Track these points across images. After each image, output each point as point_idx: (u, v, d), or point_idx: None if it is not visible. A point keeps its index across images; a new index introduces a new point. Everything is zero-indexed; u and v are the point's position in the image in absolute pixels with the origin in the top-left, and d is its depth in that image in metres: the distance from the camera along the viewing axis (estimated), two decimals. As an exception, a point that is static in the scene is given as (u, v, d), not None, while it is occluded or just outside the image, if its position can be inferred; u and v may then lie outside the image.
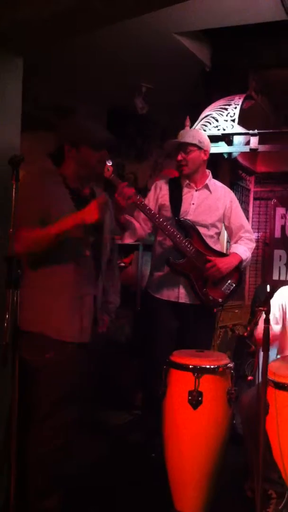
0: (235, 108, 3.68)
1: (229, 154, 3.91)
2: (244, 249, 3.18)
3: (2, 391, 2.15)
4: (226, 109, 3.70)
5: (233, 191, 3.54)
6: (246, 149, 3.78)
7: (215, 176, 3.33)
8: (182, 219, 3.07)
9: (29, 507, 2.15)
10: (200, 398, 2.42)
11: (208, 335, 3.30)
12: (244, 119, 3.71)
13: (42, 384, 2.14)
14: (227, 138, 3.75)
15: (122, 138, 5.09)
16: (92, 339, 2.25)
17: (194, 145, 3.09)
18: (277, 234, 4.43)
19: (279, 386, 2.21)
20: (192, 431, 2.44)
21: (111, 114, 4.98)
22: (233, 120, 3.67)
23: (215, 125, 3.71)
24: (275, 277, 4.37)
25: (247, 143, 3.77)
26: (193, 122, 3.62)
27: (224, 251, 3.38)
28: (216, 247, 3.17)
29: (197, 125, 3.71)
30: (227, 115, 3.69)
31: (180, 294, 3.09)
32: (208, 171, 3.24)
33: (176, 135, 3.19)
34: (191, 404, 2.42)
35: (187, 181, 3.18)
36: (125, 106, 4.64)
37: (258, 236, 4.45)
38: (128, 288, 4.37)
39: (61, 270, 2.18)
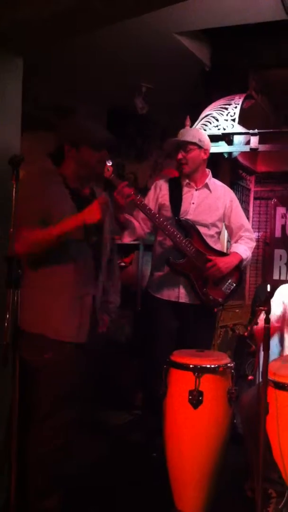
0: (236, 107, 3.68)
1: (229, 153, 3.91)
2: (244, 248, 3.17)
3: (2, 391, 2.15)
4: (226, 109, 3.70)
5: (234, 191, 3.54)
6: (246, 148, 3.77)
7: (215, 176, 3.33)
8: (182, 218, 3.07)
9: (29, 507, 2.15)
10: (200, 398, 2.42)
11: (209, 335, 3.30)
12: (244, 119, 3.71)
13: (42, 384, 2.14)
14: (227, 138, 3.75)
15: (122, 138, 5.09)
16: (91, 339, 2.25)
17: (194, 144, 3.09)
18: (278, 233, 4.43)
19: (279, 386, 2.21)
20: (192, 431, 2.44)
21: (111, 114, 4.97)
22: (233, 120, 3.66)
23: (215, 125, 3.71)
24: (276, 276, 4.37)
25: (247, 142, 3.76)
26: (193, 122, 3.61)
27: (225, 251, 3.38)
28: (217, 247, 3.17)
29: (197, 125, 3.71)
30: (227, 115, 3.69)
31: (181, 294, 3.09)
32: (208, 171, 3.24)
33: (176, 135, 3.19)
34: (192, 404, 2.42)
35: (187, 181, 3.18)
36: (125, 106, 4.63)
37: (258, 236, 4.45)
38: (128, 288, 4.37)
39: (61, 270, 2.18)
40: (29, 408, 2.10)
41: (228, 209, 3.22)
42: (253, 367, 3.64)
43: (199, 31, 3.75)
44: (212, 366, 2.48)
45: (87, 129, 2.24)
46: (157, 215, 3.00)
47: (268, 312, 2.10)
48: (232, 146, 3.80)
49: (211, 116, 3.73)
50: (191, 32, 3.69)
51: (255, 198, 4.59)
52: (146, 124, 5.11)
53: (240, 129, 3.71)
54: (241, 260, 3.14)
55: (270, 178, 4.57)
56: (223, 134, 3.70)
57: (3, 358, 1.76)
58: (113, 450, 3.38)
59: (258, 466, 2.05)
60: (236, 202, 3.29)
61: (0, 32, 2.37)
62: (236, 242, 3.24)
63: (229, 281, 3.13)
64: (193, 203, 3.15)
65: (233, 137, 3.79)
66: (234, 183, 4.12)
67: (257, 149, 3.72)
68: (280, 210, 4.45)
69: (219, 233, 3.25)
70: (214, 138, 3.61)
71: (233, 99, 3.73)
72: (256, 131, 3.65)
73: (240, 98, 3.73)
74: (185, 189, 3.18)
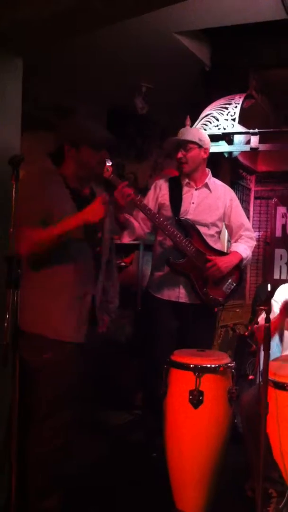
0: (236, 107, 3.68)
1: (230, 153, 3.91)
2: (244, 248, 3.17)
3: (2, 391, 2.14)
4: (226, 108, 3.70)
5: (234, 190, 3.53)
6: (247, 148, 3.77)
7: (215, 175, 3.33)
8: (182, 218, 3.07)
9: (29, 507, 2.15)
10: (201, 398, 2.42)
11: (209, 335, 3.30)
12: (244, 118, 3.71)
13: (41, 384, 2.14)
14: (228, 137, 3.75)
15: (122, 138, 5.09)
16: (91, 339, 2.25)
17: (194, 143, 3.09)
18: (278, 233, 4.43)
19: (279, 386, 2.21)
20: (193, 431, 2.44)
21: (111, 114, 4.97)
22: (234, 119, 3.66)
23: (216, 124, 3.71)
24: (276, 276, 4.38)
25: (248, 142, 3.76)
26: (193, 121, 3.61)
27: (225, 250, 3.38)
28: (217, 246, 3.17)
29: (198, 124, 3.71)
30: (227, 114, 3.69)
31: (181, 294, 3.09)
32: (208, 170, 3.24)
33: (176, 134, 3.19)
34: (192, 404, 2.42)
35: (187, 180, 3.18)
36: (125, 106, 4.63)
37: (259, 235, 4.45)
38: (128, 288, 4.37)
39: (61, 270, 2.18)
40: (29, 408, 2.10)
41: (228, 208, 3.22)
42: (254, 367, 3.65)
43: (199, 31, 3.75)
44: (213, 365, 2.48)
45: (87, 129, 2.24)
46: (157, 215, 3.00)
47: (268, 311, 2.10)
48: (232, 145, 3.80)
49: (211, 116, 3.73)
50: (191, 31, 3.69)
51: (255, 198, 4.59)
52: (146, 124, 5.11)
53: (241, 128, 3.71)
54: (241, 260, 3.14)
55: (271, 178, 4.57)
56: (223, 133, 3.70)
57: (3, 358, 1.76)
58: (113, 450, 3.38)
59: (259, 466, 2.05)
60: (236, 201, 3.28)
61: (0, 32, 2.37)
62: (236, 241, 3.23)
63: (229, 280, 3.13)
64: (193, 203, 3.15)
65: (233, 137, 3.78)
66: (234, 182, 4.12)
67: (257, 148, 3.72)
68: (281, 209, 4.45)
69: (219, 233, 3.25)
70: (214, 138, 3.61)
71: (233, 99, 3.74)
72: (256, 130, 3.65)
73: (240, 97, 3.73)
74: (185, 189, 3.18)
